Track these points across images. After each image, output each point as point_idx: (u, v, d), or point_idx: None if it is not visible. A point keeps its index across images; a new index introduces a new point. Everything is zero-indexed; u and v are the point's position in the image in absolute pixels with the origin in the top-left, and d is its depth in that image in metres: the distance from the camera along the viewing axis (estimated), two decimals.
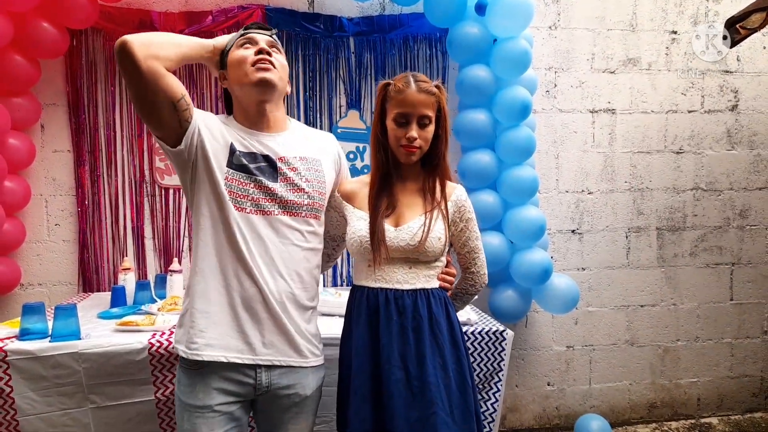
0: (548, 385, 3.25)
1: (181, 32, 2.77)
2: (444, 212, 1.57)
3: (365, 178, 1.68)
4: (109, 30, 2.76)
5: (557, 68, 3.15)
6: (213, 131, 1.48)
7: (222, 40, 1.54)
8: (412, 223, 1.55)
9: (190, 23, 2.81)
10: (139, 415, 1.92)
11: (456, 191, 1.63)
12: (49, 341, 1.87)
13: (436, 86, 1.58)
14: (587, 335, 3.27)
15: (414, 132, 1.53)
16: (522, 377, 3.22)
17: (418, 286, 1.55)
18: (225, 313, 1.44)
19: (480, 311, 2.46)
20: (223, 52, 1.53)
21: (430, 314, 1.53)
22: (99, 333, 1.98)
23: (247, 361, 1.45)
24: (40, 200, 2.80)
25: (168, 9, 2.82)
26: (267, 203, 1.47)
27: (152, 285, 2.53)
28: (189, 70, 2.85)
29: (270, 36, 1.54)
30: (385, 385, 1.48)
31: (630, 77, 3.22)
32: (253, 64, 1.46)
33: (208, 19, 2.81)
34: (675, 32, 3.23)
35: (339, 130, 2.96)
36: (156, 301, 2.37)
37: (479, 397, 2.15)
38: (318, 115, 2.96)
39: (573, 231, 3.23)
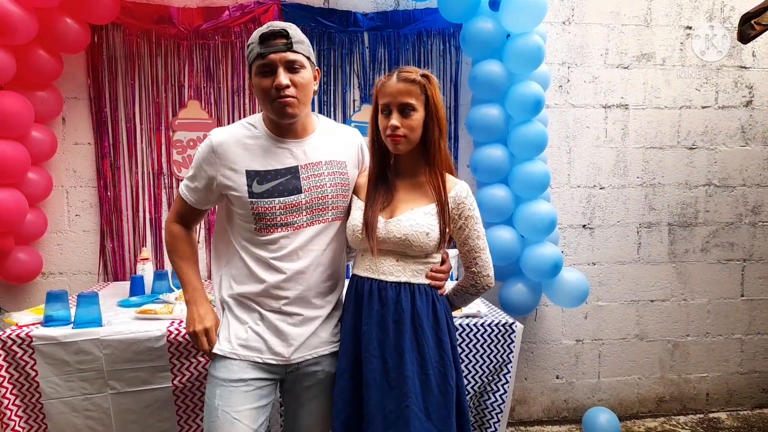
0: (557, 378, 3.29)
1: (198, 28, 2.83)
2: (440, 207, 1.56)
3: None
4: (129, 25, 2.82)
5: (570, 63, 3.16)
6: (231, 168, 1.54)
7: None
8: (402, 216, 1.55)
9: (208, 18, 2.86)
10: (157, 401, 1.99)
11: (456, 187, 1.60)
12: (72, 328, 1.94)
13: (424, 75, 1.56)
14: (597, 329, 3.30)
15: (395, 120, 1.53)
16: (531, 370, 3.26)
17: (403, 279, 1.56)
18: (261, 320, 1.56)
19: (490, 304, 2.50)
20: (248, 63, 1.55)
21: (413, 309, 1.54)
22: (119, 320, 2.06)
23: (281, 362, 1.56)
24: (62, 191, 2.88)
25: (186, 4, 2.87)
26: (294, 218, 1.54)
27: (169, 275, 2.58)
28: (206, 65, 2.90)
29: (287, 49, 1.48)
30: (363, 373, 1.52)
31: (644, 72, 3.22)
32: (274, 100, 1.48)
33: (225, 14, 2.86)
34: (690, 27, 3.21)
35: (353, 124, 2.99)
36: (173, 291, 2.43)
37: (491, 389, 2.18)
38: (332, 110, 3.00)
39: (584, 226, 3.25)
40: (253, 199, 1.51)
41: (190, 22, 2.85)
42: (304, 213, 1.55)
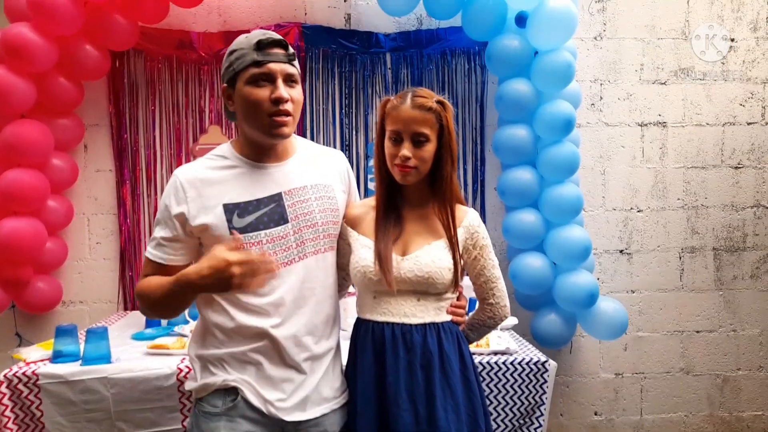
0: (595, 414, 3.07)
1: (219, 52, 2.79)
2: (454, 240, 1.46)
3: (371, 201, 1.56)
4: (150, 51, 2.81)
5: (603, 80, 3.01)
6: (204, 205, 1.35)
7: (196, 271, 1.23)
8: (420, 252, 1.44)
9: (228, 42, 2.78)
10: None
11: (468, 216, 1.51)
12: (80, 364, 1.87)
13: (439, 102, 1.44)
14: (638, 362, 3.08)
15: (407, 150, 1.41)
16: (567, 405, 3.06)
17: (428, 320, 1.44)
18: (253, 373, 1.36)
19: (520, 338, 2.34)
20: (231, 69, 1.37)
21: (441, 350, 1.42)
22: (130, 356, 1.98)
23: (274, 414, 1.35)
24: (83, 219, 2.85)
25: (207, 29, 2.85)
26: (284, 253, 1.36)
27: None
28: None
29: (288, 61, 1.36)
30: (392, 429, 1.38)
31: (683, 88, 3.04)
32: (269, 115, 1.33)
33: None
34: (733, 40, 3.03)
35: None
36: (189, 322, 2.35)
37: None
38: (354, 132, 2.92)
39: (621, 251, 3.06)
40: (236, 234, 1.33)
41: (210, 47, 2.82)
42: (294, 245, 1.37)
